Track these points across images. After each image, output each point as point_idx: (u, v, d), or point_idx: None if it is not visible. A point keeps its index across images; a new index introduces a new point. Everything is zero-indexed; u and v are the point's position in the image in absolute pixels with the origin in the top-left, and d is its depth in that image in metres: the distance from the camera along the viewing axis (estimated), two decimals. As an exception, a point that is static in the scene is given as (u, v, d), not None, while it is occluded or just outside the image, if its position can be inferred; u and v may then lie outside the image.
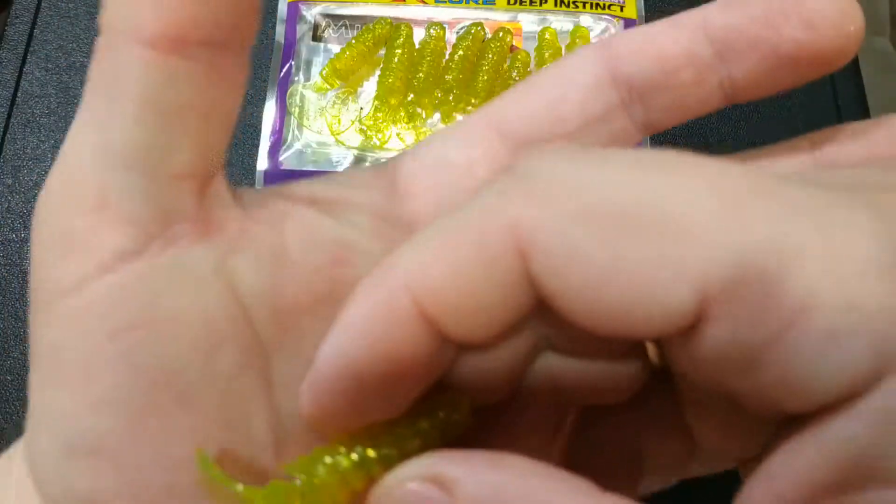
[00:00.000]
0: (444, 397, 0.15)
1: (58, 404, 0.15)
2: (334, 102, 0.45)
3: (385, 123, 0.44)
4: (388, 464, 0.15)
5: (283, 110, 0.44)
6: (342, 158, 0.44)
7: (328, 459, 0.15)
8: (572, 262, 0.12)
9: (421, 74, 0.44)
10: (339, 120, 0.44)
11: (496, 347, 0.15)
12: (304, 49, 0.46)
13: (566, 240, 0.12)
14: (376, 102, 0.44)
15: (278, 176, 0.43)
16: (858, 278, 0.11)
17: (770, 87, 0.16)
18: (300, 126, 0.44)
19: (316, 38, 0.47)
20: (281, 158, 0.44)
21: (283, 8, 0.47)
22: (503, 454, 0.14)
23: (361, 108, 0.45)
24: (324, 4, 0.47)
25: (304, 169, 0.43)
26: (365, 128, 0.44)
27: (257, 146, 0.44)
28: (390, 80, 0.44)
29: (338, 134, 0.44)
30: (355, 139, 0.44)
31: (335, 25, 0.47)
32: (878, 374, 0.11)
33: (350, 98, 0.45)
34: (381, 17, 0.46)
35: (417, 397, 0.15)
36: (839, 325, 0.11)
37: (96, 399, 0.14)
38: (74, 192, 0.15)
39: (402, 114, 0.44)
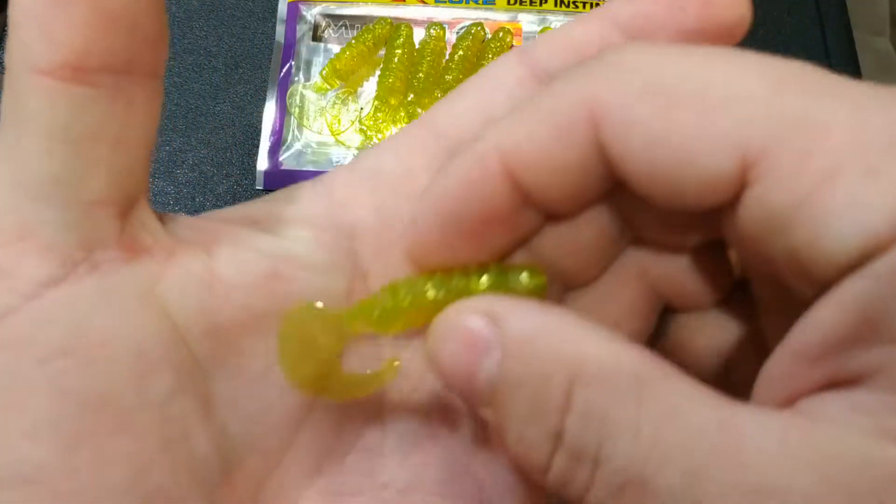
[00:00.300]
0: (523, 265, 0.17)
1: None
2: (334, 102, 0.45)
3: (385, 123, 0.44)
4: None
5: (283, 110, 0.44)
6: (342, 158, 0.44)
7: (410, 290, 0.17)
8: (633, 130, 0.14)
9: (421, 74, 0.44)
10: (339, 120, 0.44)
11: (578, 223, 0.17)
12: (304, 49, 0.46)
13: (629, 112, 0.14)
14: (376, 102, 0.44)
15: (278, 176, 0.43)
16: (882, 151, 0.12)
17: None
18: (300, 126, 0.44)
19: (316, 38, 0.47)
20: (281, 158, 0.44)
21: (283, 8, 0.47)
22: (553, 305, 0.16)
23: (361, 108, 0.45)
24: (324, 4, 0.47)
25: (304, 169, 0.43)
26: (365, 128, 0.44)
27: (257, 146, 0.44)
28: (390, 80, 0.44)
29: (338, 134, 0.44)
30: (355, 139, 0.44)
31: (335, 25, 0.47)
32: (894, 237, 0.12)
33: (350, 98, 0.45)
34: (381, 17, 0.46)
35: (501, 255, 0.17)
36: (860, 190, 0.12)
37: (28, 428, 0.14)
38: None
39: (402, 114, 0.44)
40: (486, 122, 0.18)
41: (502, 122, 0.16)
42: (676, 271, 0.17)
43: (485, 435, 0.18)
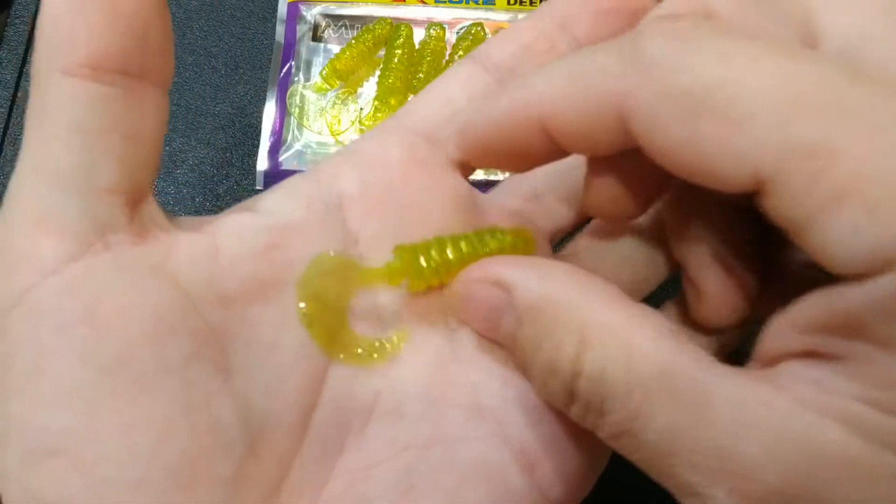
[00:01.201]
0: (514, 228, 0.21)
1: (13, 409, 0.15)
2: (334, 102, 0.45)
3: (385, 123, 0.44)
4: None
5: (283, 110, 0.44)
6: (342, 158, 0.44)
7: (425, 255, 0.19)
8: (658, 132, 0.15)
9: (421, 74, 0.44)
10: (339, 120, 0.44)
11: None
12: (304, 49, 0.46)
13: (654, 115, 0.15)
14: (376, 102, 0.44)
15: (278, 176, 0.43)
16: (883, 184, 0.13)
17: (603, 37, 0.21)
18: (300, 126, 0.44)
19: (316, 38, 0.47)
20: (281, 159, 0.44)
21: (283, 8, 0.47)
22: (550, 263, 0.18)
23: (361, 108, 0.45)
24: (324, 4, 0.47)
25: (305, 169, 0.43)
26: (365, 128, 0.44)
27: (257, 146, 0.44)
28: (390, 81, 0.44)
29: (338, 134, 0.44)
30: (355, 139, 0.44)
31: (335, 25, 0.47)
32: (889, 262, 0.13)
33: (350, 98, 0.45)
34: (381, 17, 0.46)
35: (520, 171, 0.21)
36: (861, 219, 0.13)
37: (50, 395, 0.15)
38: (14, 212, 0.16)
39: (402, 114, 0.44)
40: (445, 105, 0.22)
41: (544, 83, 0.18)
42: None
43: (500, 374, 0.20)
